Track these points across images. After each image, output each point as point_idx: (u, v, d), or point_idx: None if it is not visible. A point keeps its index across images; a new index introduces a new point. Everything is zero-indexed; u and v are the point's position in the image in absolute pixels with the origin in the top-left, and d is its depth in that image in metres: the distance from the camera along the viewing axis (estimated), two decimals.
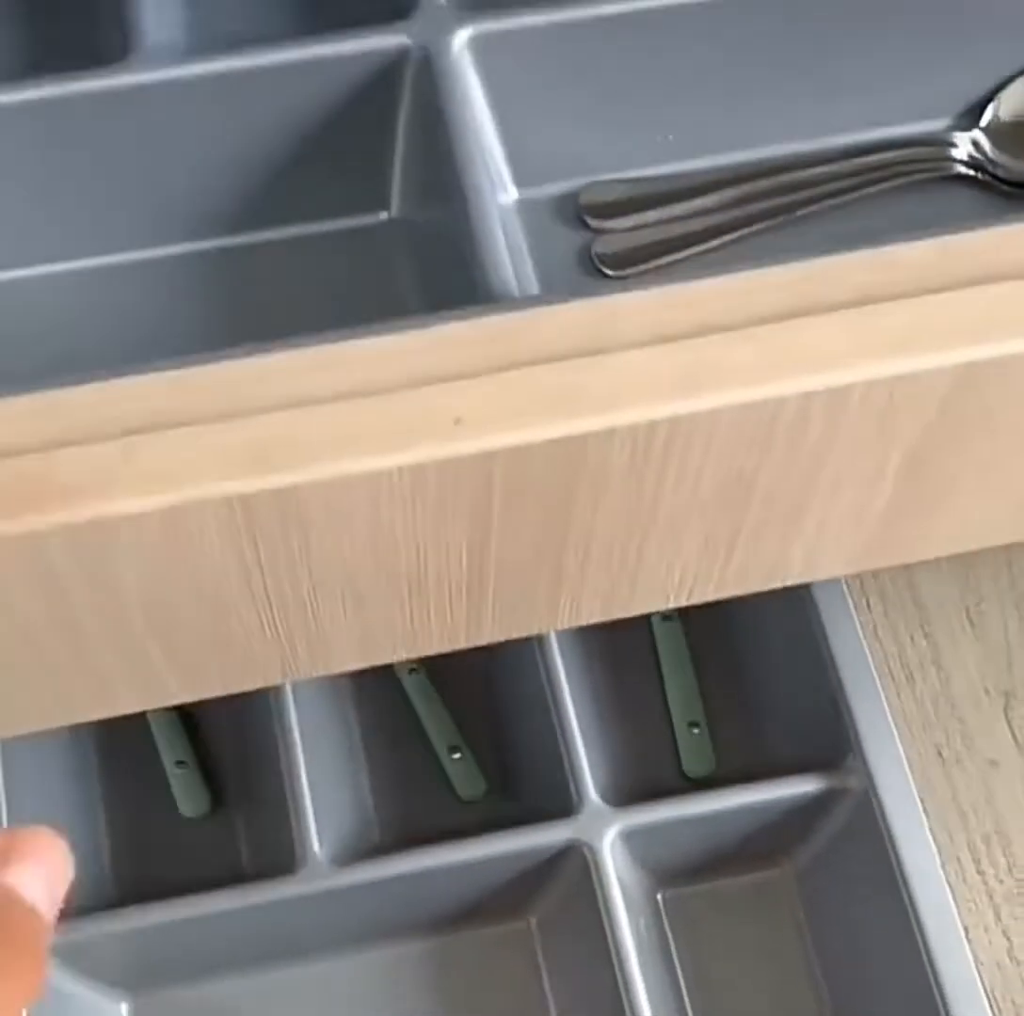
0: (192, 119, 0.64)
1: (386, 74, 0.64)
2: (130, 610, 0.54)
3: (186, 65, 0.63)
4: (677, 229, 0.69)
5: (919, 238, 0.54)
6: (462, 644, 0.65)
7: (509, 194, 0.68)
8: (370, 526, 0.53)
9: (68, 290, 0.67)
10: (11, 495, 0.48)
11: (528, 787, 0.83)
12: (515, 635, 0.66)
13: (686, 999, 0.81)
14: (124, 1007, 0.79)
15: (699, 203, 0.69)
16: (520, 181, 0.68)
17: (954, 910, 0.74)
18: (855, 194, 0.69)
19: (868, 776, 0.77)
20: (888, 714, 0.78)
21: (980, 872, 0.81)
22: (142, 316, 0.67)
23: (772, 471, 0.55)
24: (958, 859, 0.81)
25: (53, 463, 0.48)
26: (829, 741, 0.79)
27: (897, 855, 0.75)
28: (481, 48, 0.64)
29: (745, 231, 0.68)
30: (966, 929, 0.73)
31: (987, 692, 0.85)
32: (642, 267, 0.68)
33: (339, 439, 0.49)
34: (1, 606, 0.52)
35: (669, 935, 0.82)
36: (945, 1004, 0.72)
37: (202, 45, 0.66)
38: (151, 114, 0.63)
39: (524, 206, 0.69)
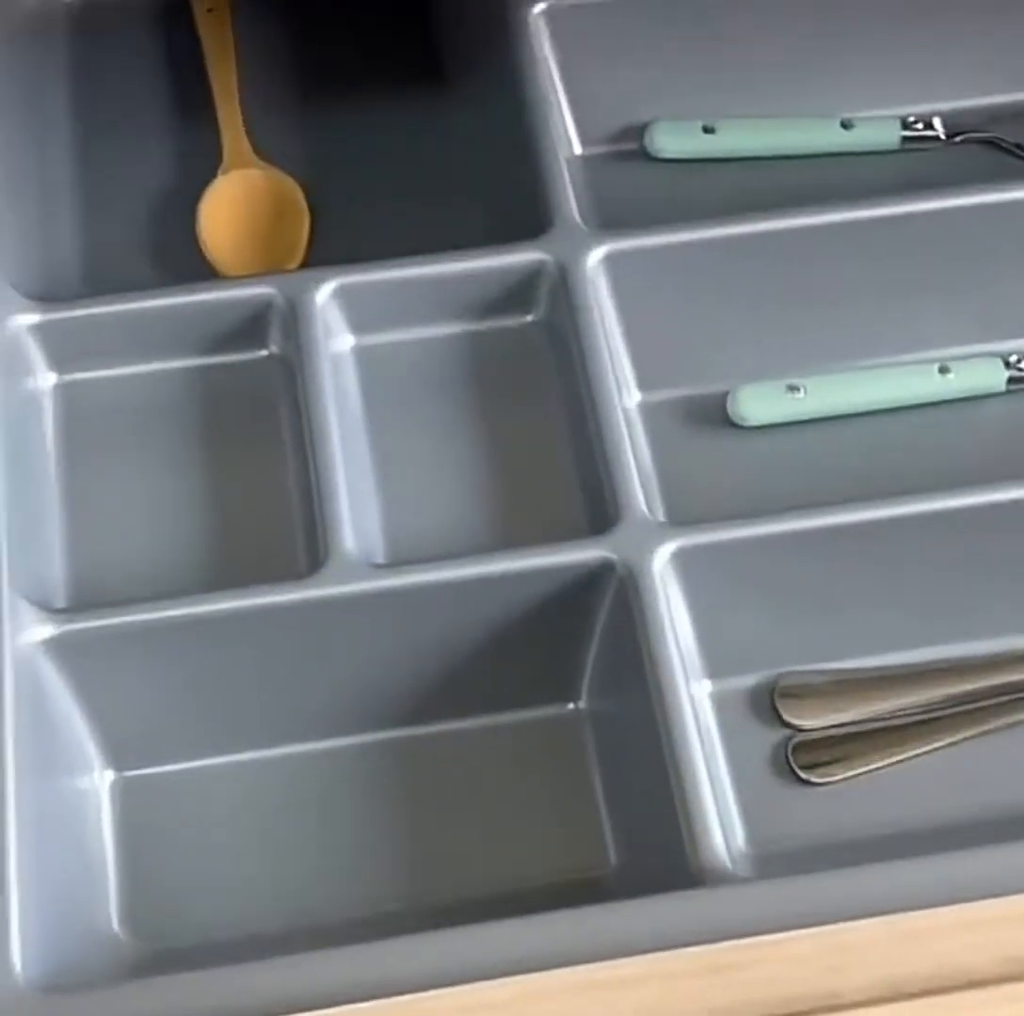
0: (387, 625, 0.62)
1: (585, 584, 0.62)
2: None
3: (379, 579, 0.61)
4: (877, 728, 0.65)
5: None
6: None
7: (703, 686, 0.66)
8: None
9: (269, 776, 0.64)
10: None
11: None
12: None
13: None
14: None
15: (901, 702, 0.66)
16: (714, 673, 0.65)
17: None
18: None
19: None
20: None
21: None
22: (335, 801, 0.64)
23: None
24: None
25: None
26: None
27: None
28: (682, 560, 0.62)
29: (953, 737, 0.65)
30: None
31: None
32: (842, 775, 0.64)
33: None
34: None
35: None
36: None
37: (396, 549, 0.65)
38: (345, 621, 0.62)
39: (719, 697, 0.66)
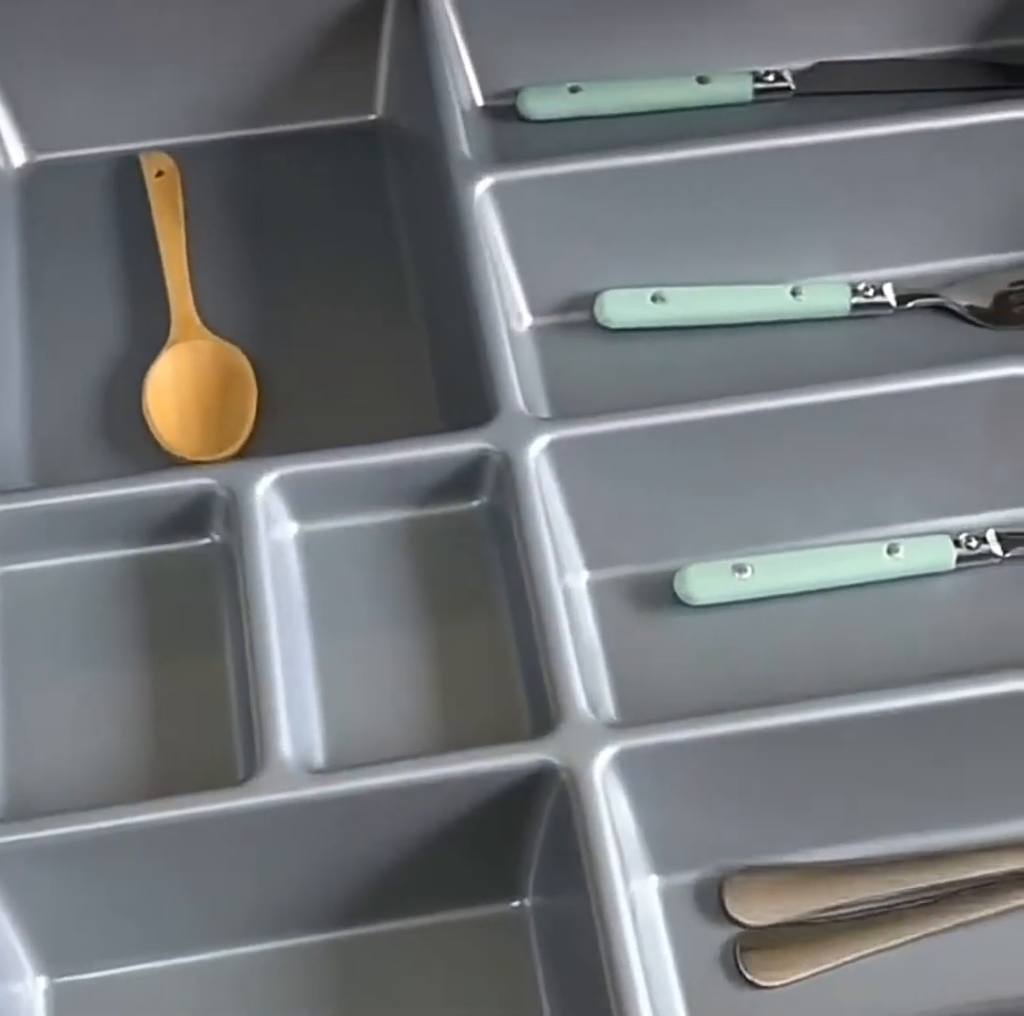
0: (327, 830, 0.61)
1: (527, 787, 0.61)
2: None
3: (316, 785, 0.60)
4: (826, 923, 0.64)
5: None
6: None
7: (649, 882, 0.64)
8: None
9: (206, 980, 0.63)
10: None
11: None
12: None
13: None
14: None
15: (849, 896, 0.64)
16: (660, 868, 0.64)
17: None
18: None
19: None
20: None
21: None
22: (274, 1005, 0.62)
23: None
24: None
25: None
26: None
27: None
28: (623, 762, 0.61)
29: (905, 935, 0.63)
30: None
31: None
32: (791, 978, 0.63)
33: None
34: None
35: None
36: None
37: (335, 751, 0.63)
38: (282, 827, 0.60)
39: (666, 892, 0.64)
